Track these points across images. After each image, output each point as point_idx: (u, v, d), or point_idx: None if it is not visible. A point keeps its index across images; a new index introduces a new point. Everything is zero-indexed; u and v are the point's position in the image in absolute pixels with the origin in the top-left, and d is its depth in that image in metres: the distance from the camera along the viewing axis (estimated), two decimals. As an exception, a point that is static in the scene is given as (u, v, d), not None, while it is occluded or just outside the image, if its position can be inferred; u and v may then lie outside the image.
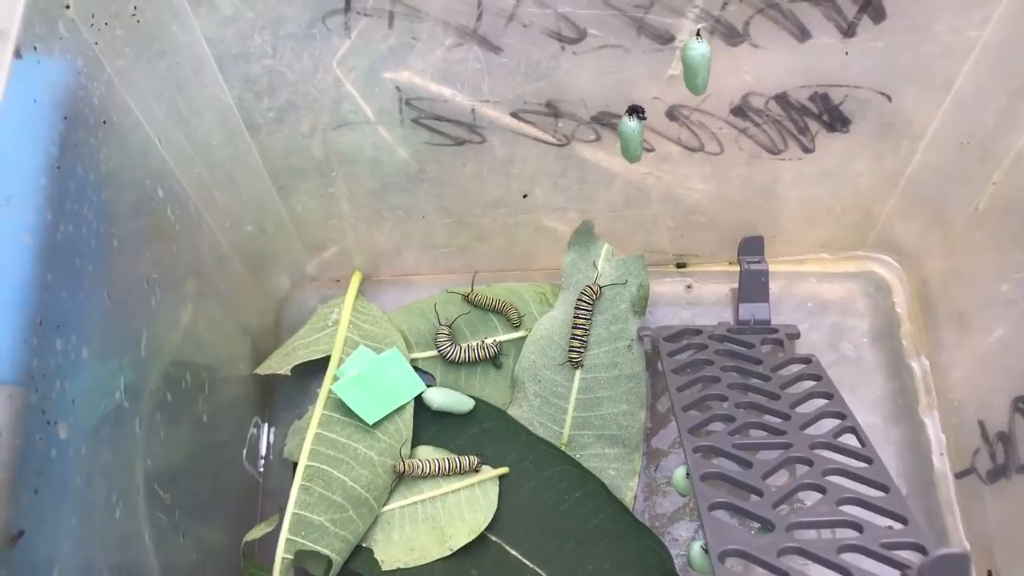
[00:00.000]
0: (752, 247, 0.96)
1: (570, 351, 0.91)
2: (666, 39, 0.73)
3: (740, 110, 0.80)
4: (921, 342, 0.97)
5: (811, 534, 0.67)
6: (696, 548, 0.67)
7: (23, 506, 0.51)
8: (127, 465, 0.65)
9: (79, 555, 0.57)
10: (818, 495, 0.68)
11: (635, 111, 0.75)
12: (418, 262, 1.01)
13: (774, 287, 0.97)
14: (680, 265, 1.02)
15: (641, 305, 0.93)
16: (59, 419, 0.55)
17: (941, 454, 0.92)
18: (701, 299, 1.00)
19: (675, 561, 0.85)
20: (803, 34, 0.73)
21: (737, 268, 0.98)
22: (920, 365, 0.96)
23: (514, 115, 0.81)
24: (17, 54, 0.54)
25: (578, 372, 0.91)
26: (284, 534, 0.82)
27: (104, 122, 0.63)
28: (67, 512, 0.56)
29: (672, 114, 0.81)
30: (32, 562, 0.52)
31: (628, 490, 0.90)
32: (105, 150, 0.63)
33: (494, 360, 0.95)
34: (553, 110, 0.80)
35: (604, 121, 0.81)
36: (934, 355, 0.95)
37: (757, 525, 0.67)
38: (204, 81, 0.74)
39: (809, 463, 0.71)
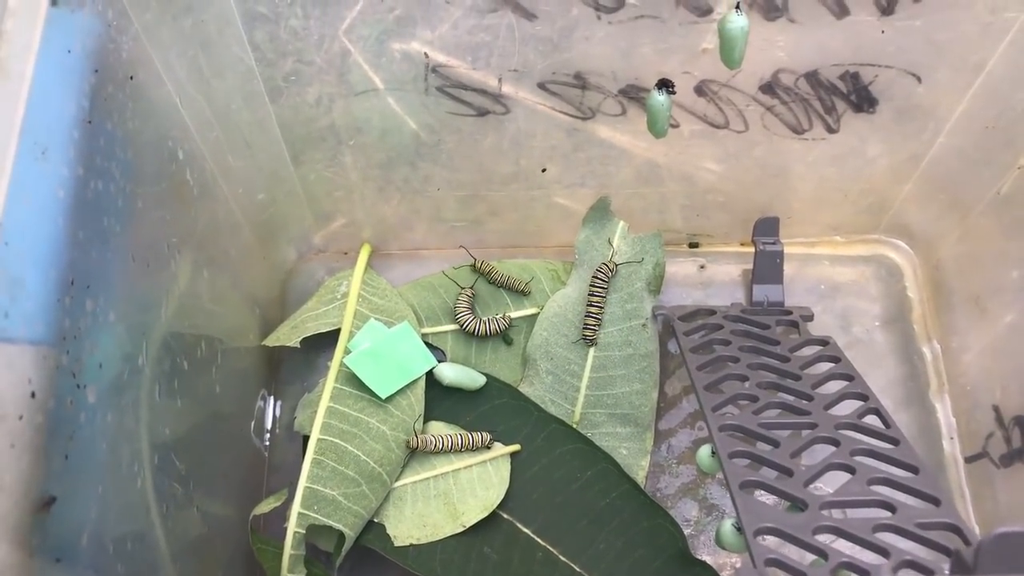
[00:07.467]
0: (767, 228, 0.95)
1: (584, 328, 0.90)
2: (704, 11, 0.72)
3: (769, 87, 0.79)
4: (933, 327, 0.97)
5: (842, 514, 0.67)
6: (727, 526, 0.67)
7: (54, 471, 0.49)
8: (147, 433, 0.63)
9: (104, 524, 0.55)
10: (847, 475, 0.67)
11: (664, 85, 0.74)
12: (427, 236, 0.99)
13: (786, 269, 0.96)
14: (693, 245, 1.01)
15: (656, 284, 0.92)
16: (88, 383, 0.53)
17: (951, 438, 0.92)
18: (713, 279, 1.00)
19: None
20: (841, 10, 0.72)
21: (749, 249, 0.97)
22: (931, 350, 0.96)
23: (541, 86, 0.79)
24: (53, 2, 0.52)
25: (591, 350, 0.90)
26: (296, 508, 0.80)
27: (131, 78, 0.61)
28: (94, 479, 0.54)
29: (701, 89, 0.80)
30: (63, 530, 0.50)
31: (640, 469, 0.89)
32: (132, 107, 0.61)
33: (504, 335, 0.93)
34: (581, 82, 0.79)
35: (631, 95, 0.80)
36: (946, 340, 0.95)
37: (783, 504, 0.67)
38: (228, 42, 0.72)
39: (836, 443, 0.70)
